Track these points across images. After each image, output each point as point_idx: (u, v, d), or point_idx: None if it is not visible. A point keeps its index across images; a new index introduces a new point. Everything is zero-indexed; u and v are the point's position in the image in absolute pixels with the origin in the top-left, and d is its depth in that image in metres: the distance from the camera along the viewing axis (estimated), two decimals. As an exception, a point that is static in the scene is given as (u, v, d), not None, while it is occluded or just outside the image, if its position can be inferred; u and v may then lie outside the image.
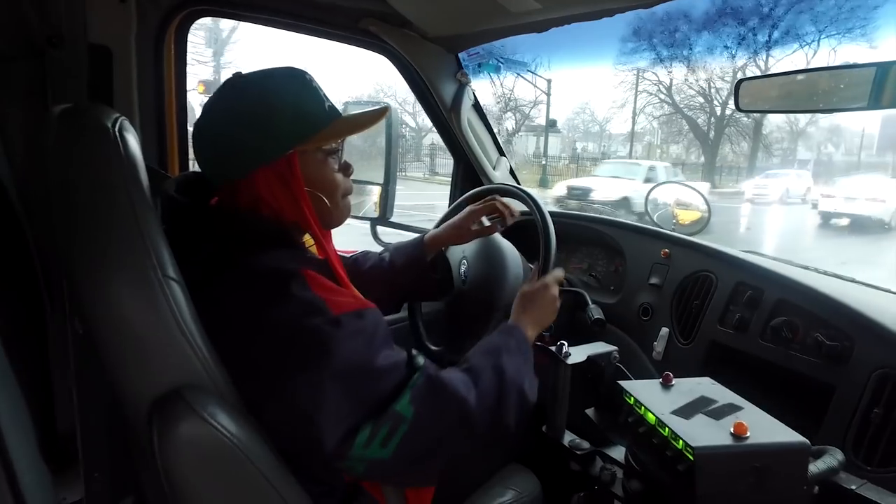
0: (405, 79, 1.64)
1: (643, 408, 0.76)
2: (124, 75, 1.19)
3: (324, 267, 0.88)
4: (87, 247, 0.68)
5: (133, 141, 0.73)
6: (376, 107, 0.93)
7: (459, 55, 1.63)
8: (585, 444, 0.94)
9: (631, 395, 0.79)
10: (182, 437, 0.67)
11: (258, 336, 0.76)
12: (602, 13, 1.19)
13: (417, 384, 0.80)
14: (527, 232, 1.20)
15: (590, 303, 1.32)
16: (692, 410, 0.74)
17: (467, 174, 1.81)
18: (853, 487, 0.75)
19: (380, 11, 1.37)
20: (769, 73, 1.46)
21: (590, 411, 0.97)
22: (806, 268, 1.23)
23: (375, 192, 1.70)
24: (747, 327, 1.11)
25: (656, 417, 0.73)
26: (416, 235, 1.26)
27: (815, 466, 0.75)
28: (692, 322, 1.21)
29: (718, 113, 16.92)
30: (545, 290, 1.03)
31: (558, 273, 1.08)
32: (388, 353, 0.81)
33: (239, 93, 0.84)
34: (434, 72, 1.59)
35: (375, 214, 1.76)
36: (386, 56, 1.58)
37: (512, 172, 1.88)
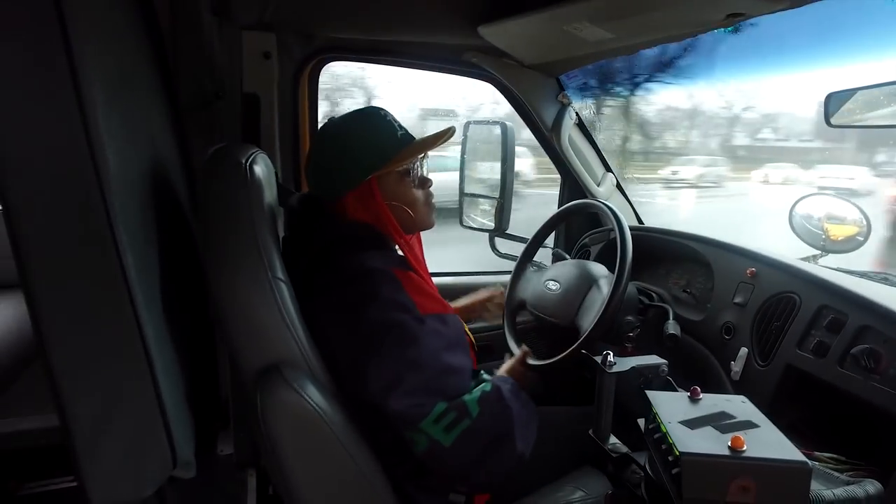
0: (509, 102, 1.77)
1: (659, 417, 0.81)
2: (268, 116, 1.48)
3: (407, 265, 1.08)
4: (216, 253, 0.92)
5: (261, 171, 0.97)
6: (446, 128, 1.11)
7: (560, 78, 1.72)
8: (623, 449, 0.99)
9: (654, 404, 0.84)
10: (277, 403, 0.88)
11: (357, 325, 0.96)
12: (676, 38, 1.22)
13: (487, 391, 0.97)
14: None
15: (670, 318, 1.35)
16: (704, 423, 0.78)
17: (573, 189, 1.88)
18: None
19: (480, 45, 1.52)
20: (864, 85, 1.29)
21: (641, 421, 1.01)
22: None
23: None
24: (826, 353, 1.06)
25: (665, 426, 0.78)
26: None
27: (833, 493, 0.74)
28: (771, 343, 1.18)
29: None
30: (520, 366, 1.20)
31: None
32: (461, 356, 1.00)
33: (332, 132, 1.07)
34: (534, 95, 1.71)
35: (492, 226, 1.90)
36: (490, 83, 1.73)
37: (619, 187, 1.91)
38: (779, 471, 0.69)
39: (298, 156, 1.59)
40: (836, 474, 0.89)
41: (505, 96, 1.76)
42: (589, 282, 1.32)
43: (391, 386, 0.91)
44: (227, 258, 0.91)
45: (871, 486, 0.76)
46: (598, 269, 1.36)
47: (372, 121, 1.07)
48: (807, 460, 0.69)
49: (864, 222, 1.54)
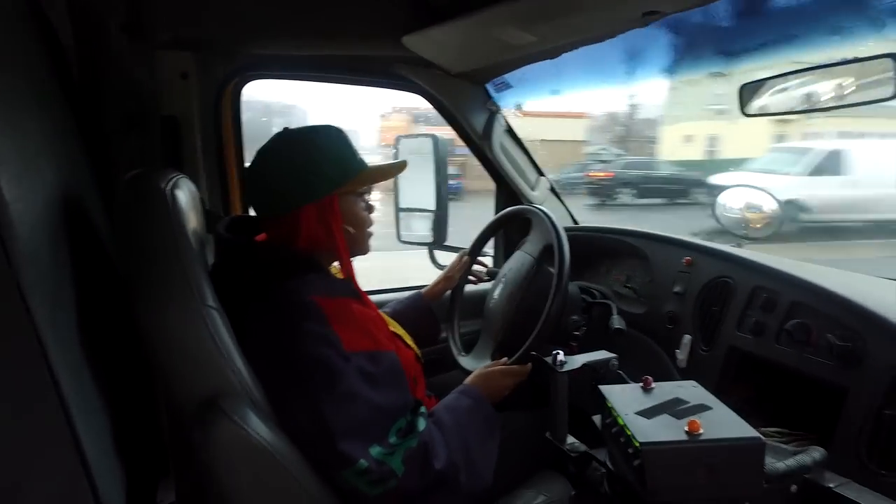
0: (439, 112, 1.76)
1: (614, 410, 0.81)
2: (190, 139, 1.41)
3: (347, 286, 1.05)
4: (140, 285, 0.85)
5: (184, 196, 0.91)
6: (398, 160, 1.14)
7: (487, 86, 1.74)
8: (582, 448, 0.99)
9: (608, 398, 0.84)
10: (218, 439, 0.82)
11: (279, 359, 0.91)
12: (597, 38, 1.25)
13: (412, 447, 0.92)
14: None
15: (614, 313, 1.37)
16: (659, 411, 0.78)
17: (508, 195, 1.89)
18: (832, 485, 0.75)
19: (406, 56, 1.51)
20: (777, 73, 1.40)
21: (597, 417, 1.01)
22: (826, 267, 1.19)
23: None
24: (763, 331, 1.10)
25: (622, 418, 0.78)
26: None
27: (785, 464, 0.76)
28: (713, 328, 1.21)
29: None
30: (501, 377, 1.18)
31: (525, 368, 1.20)
32: (393, 395, 0.95)
33: (290, 143, 1.03)
34: (463, 104, 1.71)
35: (431, 239, 1.89)
36: (420, 94, 1.72)
37: (553, 190, 1.94)
38: (735, 449, 0.70)
39: (226, 179, 1.52)
40: (783, 445, 0.92)
41: (434, 107, 1.75)
42: (532, 285, 1.33)
43: (314, 426, 0.87)
44: (152, 290, 0.84)
45: (817, 453, 0.78)
46: (542, 272, 1.37)
47: (338, 136, 1.04)
48: (759, 436, 0.70)
49: (779, 210, 1.64)
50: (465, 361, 1.39)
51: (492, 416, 1.07)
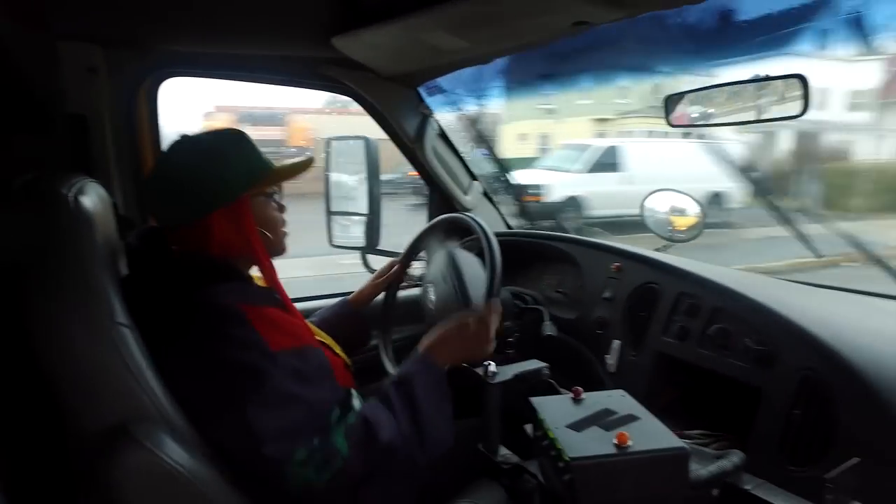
0: (370, 115, 1.73)
1: (545, 423, 0.81)
2: (100, 140, 1.31)
3: (269, 295, 1.01)
4: (39, 302, 0.77)
5: (92, 202, 0.84)
6: (305, 157, 1.09)
7: (420, 89, 1.72)
8: (514, 459, 0.99)
9: (539, 412, 0.84)
10: (127, 467, 0.75)
11: (202, 369, 0.85)
12: (528, 46, 1.25)
13: (352, 423, 0.89)
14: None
15: (546, 320, 1.38)
16: (588, 423, 0.79)
17: (441, 199, 1.88)
18: (748, 488, 0.78)
19: (336, 57, 1.46)
20: (697, 87, 1.48)
21: (529, 427, 1.01)
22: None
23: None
24: (687, 336, 1.14)
25: (552, 432, 0.78)
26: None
27: (707, 470, 0.78)
28: (641, 333, 1.24)
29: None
30: (470, 326, 1.08)
31: (495, 306, 1.13)
32: (323, 390, 0.92)
33: (193, 148, 0.97)
34: (395, 107, 1.68)
35: (363, 243, 1.84)
36: (349, 96, 1.67)
37: (486, 195, 1.94)
38: (662, 460, 0.71)
39: (142, 183, 1.42)
40: (706, 449, 0.96)
41: (365, 109, 1.71)
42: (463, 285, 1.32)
43: (248, 432, 0.82)
44: (53, 306, 0.77)
45: (736, 457, 0.82)
46: (475, 279, 1.36)
47: (242, 139, 1.01)
48: (684, 445, 0.72)
49: (701, 213, 1.71)
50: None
51: (441, 378, 1.02)
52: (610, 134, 15.50)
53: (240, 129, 1.04)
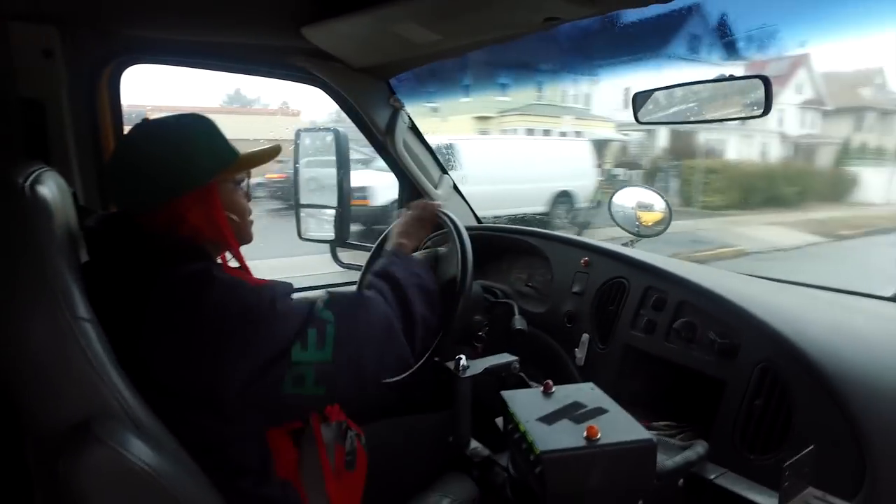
0: (341, 107, 1.71)
1: (516, 417, 0.81)
2: (59, 127, 1.26)
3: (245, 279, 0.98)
4: None
5: (49, 191, 0.80)
6: (271, 145, 1.08)
7: (391, 81, 1.70)
8: (485, 452, 0.99)
9: (509, 405, 0.84)
10: (89, 468, 0.73)
11: (187, 316, 0.85)
12: (500, 39, 1.26)
13: (324, 298, 0.97)
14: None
15: (516, 313, 1.39)
16: (559, 416, 0.80)
17: (411, 193, 1.87)
18: (711, 477, 0.80)
19: (306, 48, 1.44)
20: (663, 85, 1.53)
21: (499, 420, 1.02)
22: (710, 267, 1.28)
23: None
24: (654, 329, 1.17)
25: (523, 426, 0.78)
26: None
27: (673, 461, 0.81)
28: (609, 327, 1.27)
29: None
30: (415, 212, 1.28)
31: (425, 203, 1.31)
32: (299, 301, 0.96)
33: (158, 132, 0.95)
34: (366, 99, 1.67)
35: (332, 236, 1.83)
36: (319, 87, 1.65)
37: (456, 188, 1.94)
38: (630, 452, 0.73)
39: (103, 172, 1.38)
40: (671, 440, 0.98)
41: (336, 101, 1.69)
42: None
43: (247, 345, 0.86)
44: (8, 302, 0.74)
45: (700, 447, 0.84)
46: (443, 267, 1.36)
47: (208, 124, 0.99)
48: (652, 437, 0.74)
49: (667, 209, 1.74)
50: None
51: (414, 262, 1.16)
52: (493, 132, 16.25)
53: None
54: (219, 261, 1.03)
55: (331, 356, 0.90)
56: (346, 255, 1.94)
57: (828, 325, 1.04)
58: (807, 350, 0.91)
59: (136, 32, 1.35)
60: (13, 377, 0.74)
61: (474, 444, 1.01)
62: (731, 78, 1.11)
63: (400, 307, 1.04)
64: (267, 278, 0.98)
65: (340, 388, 0.93)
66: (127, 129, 1.40)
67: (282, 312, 0.90)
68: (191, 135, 0.97)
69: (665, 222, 1.73)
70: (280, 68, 1.56)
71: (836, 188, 16.24)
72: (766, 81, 1.02)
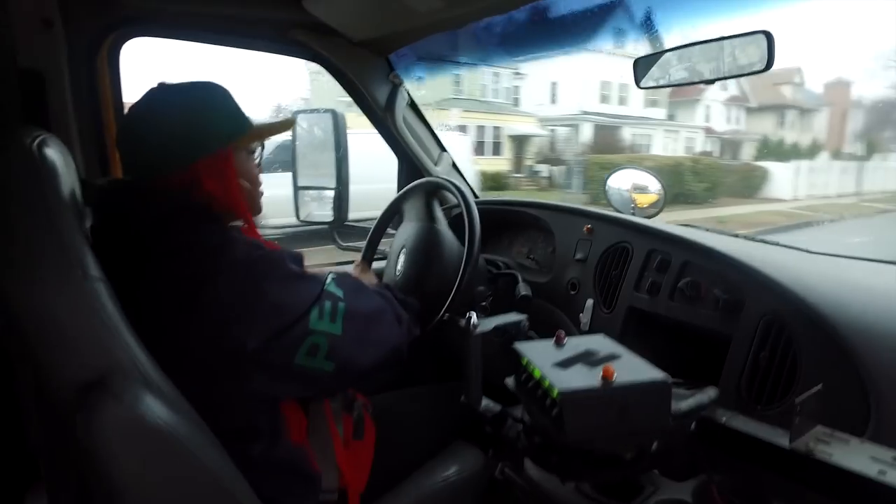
0: (340, 83, 1.70)
1: (531, 364, 0.82)
2: (58, 97, 1.25)
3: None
4: (9, 255, 0.74)
5: (55, 156, 0.80)
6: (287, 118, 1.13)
7: (390, 58, 1.71)
8: (497, 408, 1.00)
9: (523, 355, 0.85)
10: (106, 424, 0.72)
11: (204, 282, 0.84)
12: (507, 5, 1.26)
13: (335, 276, 0.99)
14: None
15: (520, 282, 1.41)
16: (573, 362, 0.81)
17: (411, 171, 1.87)
18: (723, 420, 0.82)
19: (305, 21, 1.44)
20: (664, 49, 1.55)
21: (509, 380, 1.02)
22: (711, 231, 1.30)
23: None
24: (658, 291, 1.18)
25: (539, 371, 0.79)
26: None
27: (686, 403, 0.82)
28: (612, 291, 1.28)
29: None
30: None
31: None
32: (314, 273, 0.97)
33: (175, 97, 0.95)
34: (366, 75, 1.67)
35: (332, 218, 1.82)
36: (319, 63, 1.64)
37: (455, 167, 1.95)
38: (646, 391, 0.74)
39: (105, 147, 1.37)
40: (680, 391, 1.00)
41: (335, 77, 1.69)
42: (441, 258, 1.34)
43: (267, 304, 0.86)
44: (20, 261, 0.73)
45: (712, 391, 0.86)
46: (448, 244, 1.37)
47: (224, 91, 0.98)
48: (667, 377, 0.75)
49: (662, 190, 1.76)
50: None
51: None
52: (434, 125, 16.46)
53: None
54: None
55: (341, 330, 0.92)
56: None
57: (829, 277, 1.06)
58: (809, 300, 0.93)
59: (136, 3, 1.34)
60: (27, 334, 0.73)
61: (486, 401, 1.02)
62: (734, 36, 1.12)
63: (391, 306, 1.07)
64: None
65: (348, 366, 0.95)
66: (127, 104, 1.41)
67: (302, 276, 0.92)
68: (208, 100, 0.96)
69: (660, 204, 1.75)
70: (281, 42, 1.56)
71: (747, 184, 16.65)
72: (768, 36, 1.04)
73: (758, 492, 0.89)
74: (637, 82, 1.27)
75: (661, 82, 1.25)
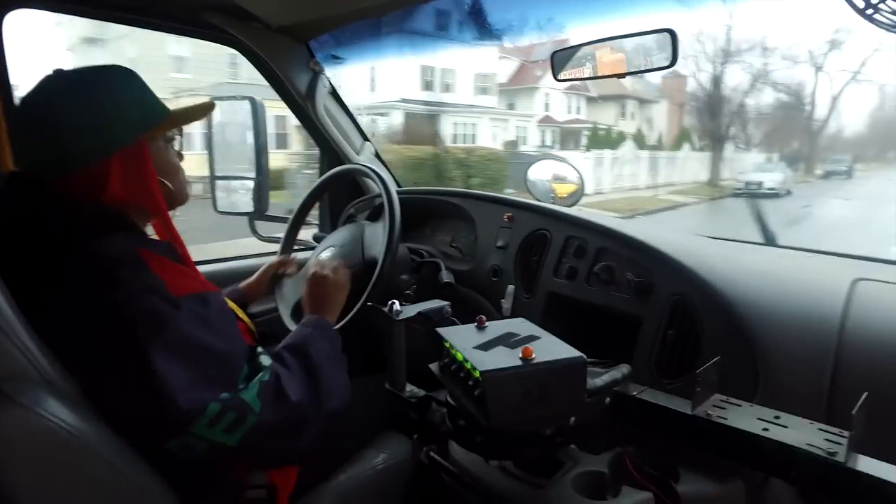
0: (258, 70, 1.65)
1: (453, 348, 0.84)
2: None
3: (168, 249, 0.93)
4: None
5: None
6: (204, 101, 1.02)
7: (310, 44, 1.67)
8: (421, 392, 1.02)
9: (445, 339, 0.87)
10: (4, 428, 0.68)
11: (96, 321, 0.78)
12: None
13: (265, 380, 0.85)
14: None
15: (443, 269, 1.43)
16: (494, 344, 0.83)
17: (332, 161, 1.84)
18: (635, 393, 0.87)
19: (222, 3, 1.37)
20: (579, 43, 1.62)
21: (433, 365, 1.03)
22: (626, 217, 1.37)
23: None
24: (576, 276, 1.23)
25: (461, 354, 0.81)
26: None
27: (601, 379, 0.87)
28: (532, 277, 1.32)
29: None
30: (328, 279, 1.15)
31: (334, 263, 1.21)
32: (229, 341, 0.87)
33: (75, 85, 0.86)
34: (285, 62, 1.62)
35: (250, 209, 1.76)
36: (234, 48, 1.59)
37: (378, 156, 1.93)
38: (563, 369, 0.77)
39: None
40: (596, 370, 1.05)
41: (252, 63, 1.64)
42: (361, 247, 1.34)
43: (156, 384, 0.75)
44: None
45: (625, 368, 0.92)
46: (370, 234, 1.37)
47: (133, 76, 0.91)
48: (582, 355, 0.79)
49: (580, 180, 1.83)
50: None
51: (335, 337, 1.04)
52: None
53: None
54: (149, 228, 0.97)
55: (237, 443, 0.80)
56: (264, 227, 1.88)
57: (730, 261, 1.15)
58: (710, 281, 1.01)
59: None
60: None
61: (409, 387, 1.03)
62: (642, 33, 1.18)
63: (312, 387, 0.91)
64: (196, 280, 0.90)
65: (231, 464, 0.88)
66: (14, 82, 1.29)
67: (202, 357, 0.80)
68: (114, 88, 0.88)
69: (578, 194, 1.81)
70: (193, 24, 1.48)
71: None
72: (672, 34, 1.11)
73: (666, 459, 0.96)
74: (555, 75, 1.32)
75: (577, 75, 1.30)
